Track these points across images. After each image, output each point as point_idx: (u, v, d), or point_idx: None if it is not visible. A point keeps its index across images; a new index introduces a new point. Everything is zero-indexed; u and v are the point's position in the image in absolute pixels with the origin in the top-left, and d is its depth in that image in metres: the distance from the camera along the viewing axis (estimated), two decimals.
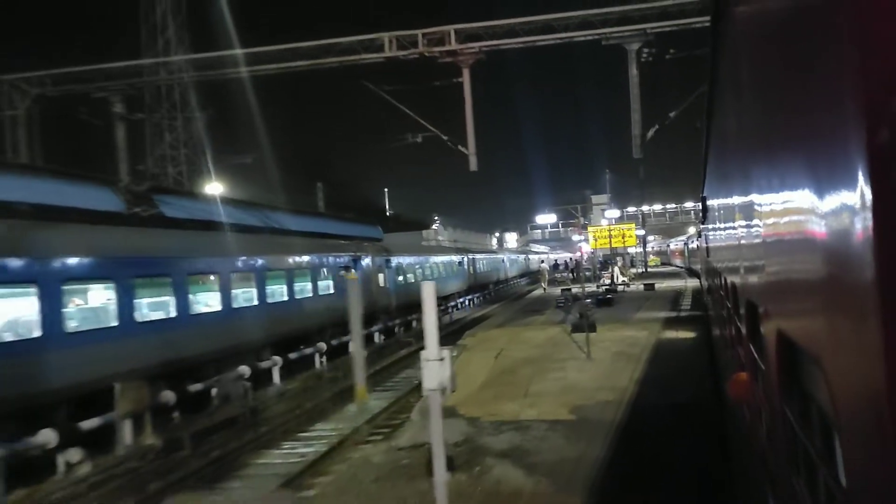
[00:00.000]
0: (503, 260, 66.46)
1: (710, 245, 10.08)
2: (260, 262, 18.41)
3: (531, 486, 8.29)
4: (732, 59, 3.21)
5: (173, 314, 14.31)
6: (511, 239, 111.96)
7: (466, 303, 43.07)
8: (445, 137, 23.17)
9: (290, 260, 20.34)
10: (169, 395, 13.09)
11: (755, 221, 2.54)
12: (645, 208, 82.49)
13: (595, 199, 63.93)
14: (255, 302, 17.76)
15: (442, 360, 7.62)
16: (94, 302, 12.75)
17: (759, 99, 2.25)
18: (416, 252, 36.26)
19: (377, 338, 25.45)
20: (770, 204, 2.07)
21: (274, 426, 13.66)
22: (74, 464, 10.58)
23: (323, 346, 20.53)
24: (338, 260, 23.69)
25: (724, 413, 8.13)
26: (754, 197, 2.53)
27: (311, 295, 21.08)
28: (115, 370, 12.03)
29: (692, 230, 67.34)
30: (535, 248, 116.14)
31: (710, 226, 9.08)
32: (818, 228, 1.30)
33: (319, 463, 10.81)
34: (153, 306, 14.08)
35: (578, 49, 22.70)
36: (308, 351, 19.77)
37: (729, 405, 6.47)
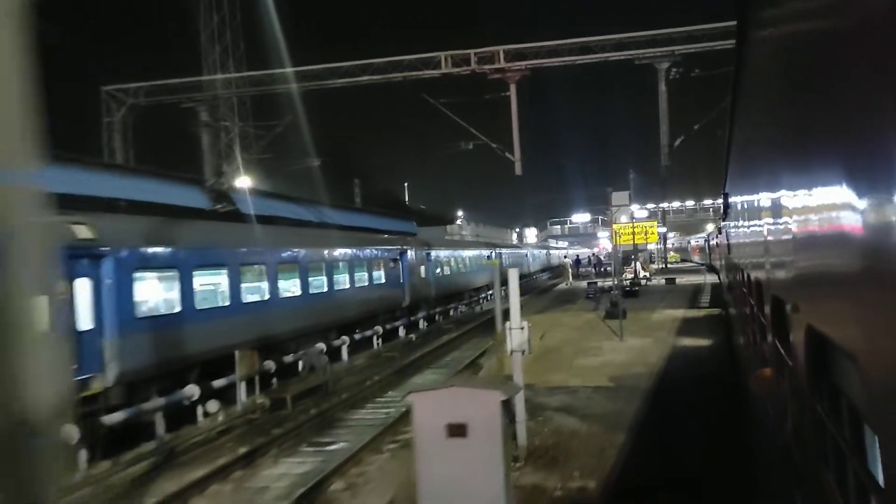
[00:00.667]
0: (526, 255, 68.70)
1: (733, 241, 10.11)
2: (327, 253, 20.93)
3: (585, 429, 10.69)
4: (760, 52, 3.19)
5: (266, 297, 16.84)
6: (530, 234, 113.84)
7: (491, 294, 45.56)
8: (494, 145, 25.58)
9: (351, 252, 22.85)
10: (270, 364, 15.64)
11: (783, 217, 2.52)
12: (664, 205, 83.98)
13: (615, 196, 65.77)
14: (325, 289, 20.26)
15: (522, 328, 10.07)
16: (214, 285, 15.27)
17: (788, 95, 2.24)
18: (450, 246, 38.74)
19: (421, 324, 27.93)
20: (800, 199, 2.04)
21: (353, 393, 16.12)
22: (211, 413, 13.14)
23: (380, 329, 23.05)
24: (388, 253, 26.20)
25: (739, 384, 10.17)
26: (783, 192, 2.51)
27: (367, 284, 23.58)
28: (229, 342, 14.57)
29: (710, 227, 68.98)
30: (553, 243, 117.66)
31: (733, 222, 9.11)
32: (851, 223, 1.28)
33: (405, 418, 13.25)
34: (252, 290, 16.59)
35: (612, 66, 24.78)
36: (368, 333, 22.28)
37: (749, 391, 6.69)
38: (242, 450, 11.44)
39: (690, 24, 23.32)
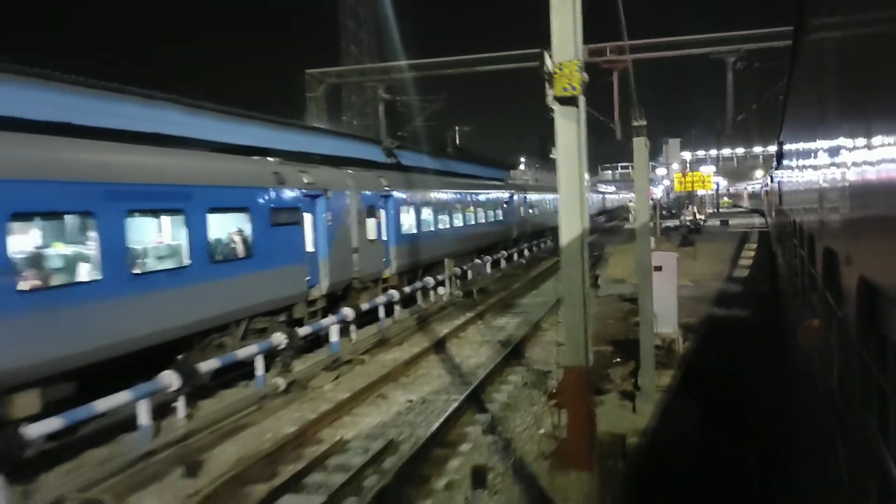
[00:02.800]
0: (587, 198, 75.24)
1: (785, 190, 10.13)
2: (477, 197, 28.38)
3: (685, 302, 18.04)
4: None
5: (445, 227, 24.39)
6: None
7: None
8: (602, 118, 32.38)
9: (487, 197, 30.27)
10: (457, 270, 23.31)
11: (840, 167, 2.49)
12: (713, 152, 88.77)
13: (671, 142, 71.67)
14: (472, 223, 27.78)
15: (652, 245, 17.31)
16: (417, 216, 22.73)
17: (851, 41, 2.23)
18: (537, 191, 45.91)
19: (526, 252, 35.41)
20: (858, 150, 2.02)
21: (507, 293, 23.66)
22: (437, 296, 20.91)
23: (504, 253, 30.63)
24: (504, 196, 33.58)
25: (776, 286, 16.89)
26: (840, 142, 2.48)
27: (493, 220, 31.07)
28: (437, 254, 22.18)
29: (759, 173, 74.13)
30: (602, 188, 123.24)
31: (786, 170, 8.99)
32: None
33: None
34: (435, 222, 24.10)
35: (687, 58, 31.20)
36: (499, 255, 29.89)
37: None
38: (469, 314, 19.09)
39: (752, 23, 29.72)
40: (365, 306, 16.20)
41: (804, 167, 5.00)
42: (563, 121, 5.93)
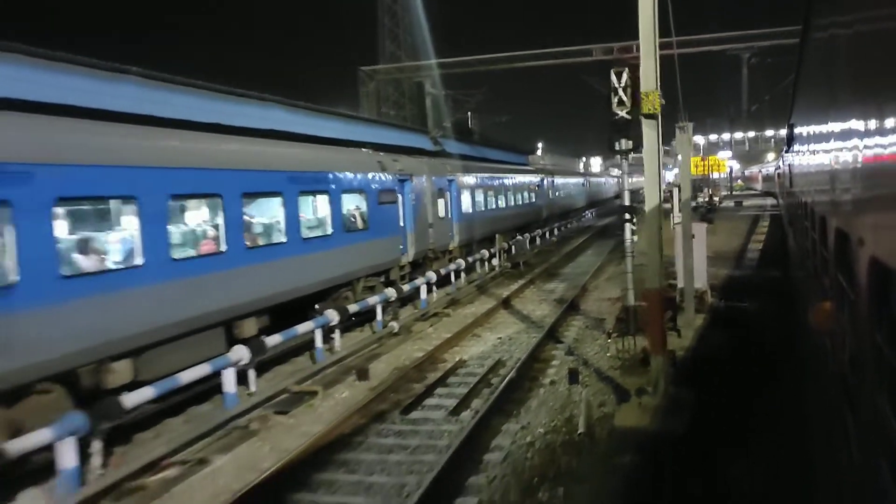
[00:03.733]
0: (604, 182, 78.50)
1: (796, 172, 10.16)
2: (510, 180, 31.57)
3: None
4: None
5: (492, 207, 27.61)
6: (595, 163, 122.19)
7: (588, 214, 56.22)
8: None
9: (520, 181, 33.44)
10: (504, 245, 26.59)
11: (851, 148, 2.50)
12: (726, 136, 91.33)
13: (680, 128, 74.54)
14: (513, 204, 31.00)
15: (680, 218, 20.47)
16: (472, 198, 25.96)
17: (861, 23, 2.21)
18: (563, 175, 49.02)
19: (555, 232, 38.61)
20: (870, 132, 2.03)
21: (548, 264, 26.89)
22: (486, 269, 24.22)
23: (539, 231, 33.86)
24: (536, 180, 36.75)
25: (786, 261, 19.99)
26: (851, 124, 2.49)
27: (529, 201, 34.27)
28: (487, 231, 25.45)
29: (771, 156, 76.77)
30: (613, 171, 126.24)
31: (797, 152, 9.03)
32: None
33: (605, 264, 23.96)
34: (485, 203, 27.32)
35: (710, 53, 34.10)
36: (535, 233, 33.12)
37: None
38: (521, 281, 22.35)
39: (765, 23, 32.62)
40: (443, 271, 19.51)
41: (815, 149, 5.10)
42: (648, 129, 9.15)
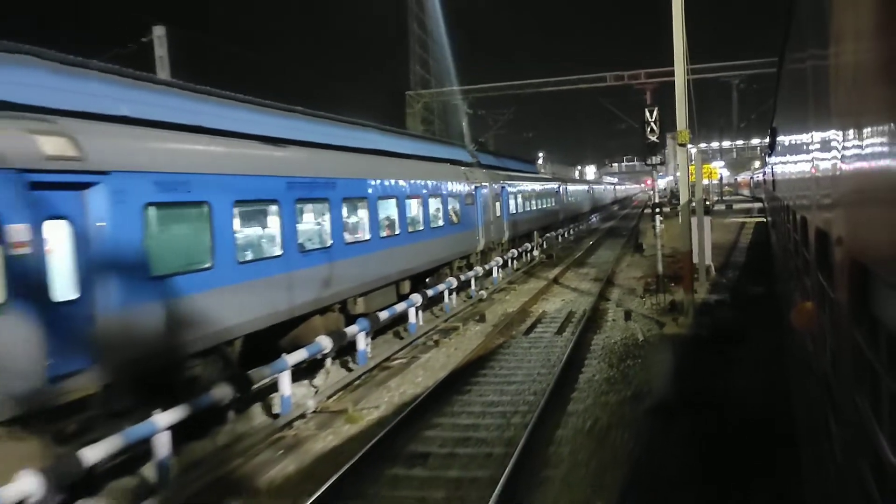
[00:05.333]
0: (604, 189, 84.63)
1: (777, 175, 10.33)
2: (540, 187, 37.30)
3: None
4: None
5: (529, 209, 33.27)
6: (589, 171, 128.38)
7: (594, 218, 62.15)
8: (637, 125, 41.46)
9: (547, 187, 39.19)
10: (540, 240, 32.26)
11: (831, 153, 2.54)
12: (714, 145, 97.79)
13: (671, 136, 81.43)
14: (541, 207, 36.70)
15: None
16: (516, 201, 31.54)
17: (840, 28, 2.24)
18: (571, 182, 54.89)
19: (570, 232, 44.34)
20: (848, 133, 2.05)
21: (573, 258, 32.52)
22: (533, 256, 29.91)
23: (562, 231, 39.58)
24: (556, 187, 42.54)
25: (769, 250, 25.81)
26: (832, 124, 2.53)
27: (550, 206, 40.03)
28: (525, 229, 31.12)
29: (757, 164, 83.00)
30: (607, 179, 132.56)
31: (779, 159, 9.26)
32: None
33: (621, 256, 29.63)
34: (524, 206, 32.95)
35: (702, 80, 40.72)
36: (558, 232, 38.83)
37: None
38: (559, 268, 27.95)
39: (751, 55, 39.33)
40: (500, 259, 25.15)
41: (795, 153, 5.15)
42: (681, 155, 14.82)
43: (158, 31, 21.18)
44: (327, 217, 13.02)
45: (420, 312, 16.34)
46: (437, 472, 8.09)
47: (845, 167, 2.13)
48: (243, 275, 10.08)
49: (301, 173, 12.21)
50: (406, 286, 17.03)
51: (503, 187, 28.17)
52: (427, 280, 19.15)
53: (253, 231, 11.05)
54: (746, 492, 6.89)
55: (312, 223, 12.95)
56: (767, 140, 13.07)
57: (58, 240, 7.16)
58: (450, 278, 18.74)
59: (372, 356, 13.39)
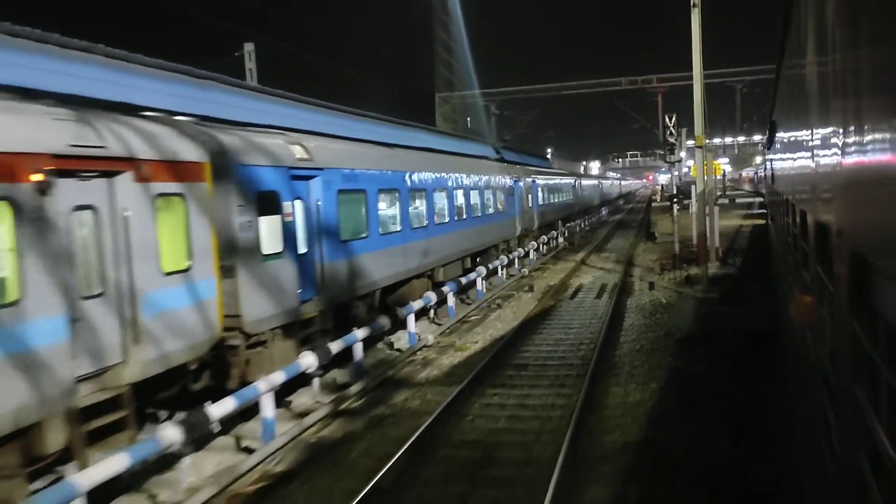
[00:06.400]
0: (611, 184, 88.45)
1: (777, 168, 10.43)
2: (560, 181, 41.02)
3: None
4: None
5: (552, 201, 36.98)
6: (594, 166, 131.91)
7: (603, 212, 65.91)
8: (649, 125, 45.18)
9: (566, 181, 42.91)
10: (564, 230, 36.01)
11: (832, 145, 2.53)
12: (717, 141, 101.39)
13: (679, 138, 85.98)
14: (562, 199, 40.43)
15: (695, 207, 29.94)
16: (543, 194, 35.27)
17: (842, 20, 2.23)
18: (584, 178, 58.66)
19: (584, 224, 48.07)
20: (849, 125, 2.05)
21: (593, 244, 36.25)
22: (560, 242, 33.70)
23: (580, 221, 43.33)
24: (571, 181, 46.29)
25: (767, 236, 29.45)
26: (832, 116, 2.52)
27: (568, 199, 43.76)
28: (550, 219, 34.86)
29: (758, 160, 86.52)
30: (610, 174, 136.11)
31: (778, 153, 9.32)
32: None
33: (635, 243, 33.39)
34: (548, 198, 36.66)
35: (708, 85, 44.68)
36: (576, 223, 42.59)
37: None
38: (582, 252, 31.68)
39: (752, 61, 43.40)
40: (534, 244, 28.91)
41: (795, 147, 5.16)
42: (698, 155, 18.58)
43: (248, 47, 24.89)
44: (425, 203, 16.77)
45: (483, 282, 20.12)
46: (539, 373, 11.86)
47: (846, 160, 2.14)
48: (383, 243, 13.86)
49: (411, 169, 15.98)
50: (468, 262, 20.80)
51: (533, 181, 31.91)
52: (478, 259, 22.89)
53: (386, 212, 14.80)
54: (745, 374, 10.66)
55: (418, 207, 16.71)
56: (767, 135, 13.23)
57: (298, 212, 10.91)
58: (502, 256, 22.52)
59: (455, 314, 17.19)
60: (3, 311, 5.78)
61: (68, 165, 6.43)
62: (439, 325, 16.47)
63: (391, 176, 14.70)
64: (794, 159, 5.38)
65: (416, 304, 14.27)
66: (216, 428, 7.97)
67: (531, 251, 27.53)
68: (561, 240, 34.76)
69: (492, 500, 7.19)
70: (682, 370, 11.49)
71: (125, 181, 7.19)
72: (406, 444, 8.26)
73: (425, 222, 16.71)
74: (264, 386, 8.59)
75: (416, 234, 15.90)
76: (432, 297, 15.26)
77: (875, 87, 1.62)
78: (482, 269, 19.75)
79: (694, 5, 18.06)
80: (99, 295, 6.96)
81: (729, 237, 32.38)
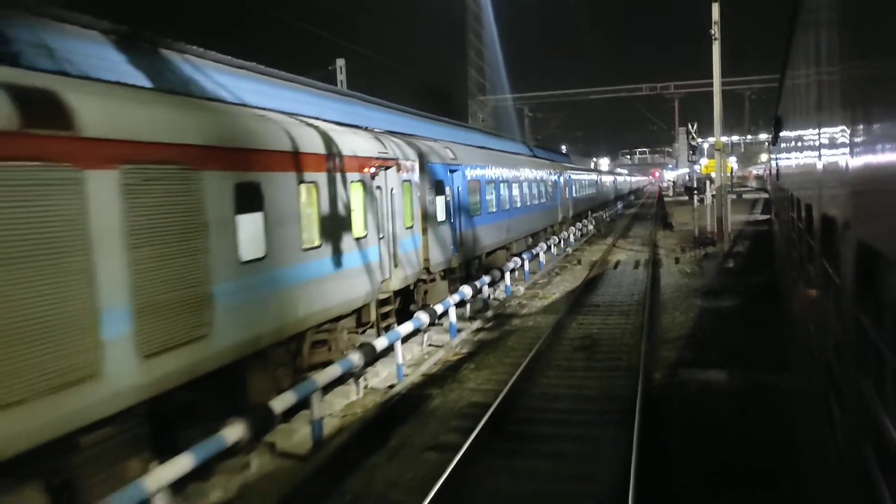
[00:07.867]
0: (623, 180, 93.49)
1: (782, 166, 10.59)
2: (586, 176, 45.99)
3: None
4: None
5: (580, 195, 41.93)
6: (603, 163, 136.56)
7: (619, 206, 70.94)
8: (665, 127, 50.15)
9: (590, 177, 47.87)
10: (590, 216, 41.04)
11: (839, 139, 2.53)
12: (724, 139, 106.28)
13: (682, 131, 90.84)
14: (588, 193, 45.38)
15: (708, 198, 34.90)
16: (575, 187, 40.22)
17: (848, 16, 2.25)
18: (603, 174, 63.69)
19: (605, 216, 53.01)
20: (856, 117, 2.07)
21: (620, 232, 41.18)
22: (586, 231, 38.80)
23: (601, 213, 48.30)
24: (591, 177, 51.27)
25: (770, 224, 34.30)
26: (838, 108, 2.54)
27: (590, 192, 48.71)
28: (580, 209, 39.85)
29: (764, 157, 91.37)
30: (619, 170, 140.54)
31: (783, 149, 9.39)
32: None
33: (654, 231, 38.38)
34: (577, 191, 41.59)
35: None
36: (599, 214, 47.58)
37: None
38: (610, 238, 36.66)
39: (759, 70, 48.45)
40: (573, 230, 33.97)
41: (800, 142, 5.18)
42: (718, 157, 23.60)
43: (340, 62, 29.92)
44: (507, 192, 21.87)
45: (544, 255, 25.21)
46: (610, 310, 16.94)
47: (853, 153, 2.13)
48: (488, 220, 18.95)
49: (498, 164, 21.08)
50: (528, 239, 25.88)
51: (568, 176, 36.96)
52: (530, 239, 27.92)
53: (491, 196, 19.84)
54: (753, 305, 15.73)
55: (503, 195, 21.80)
56: (772, 132, 13.56)
57: (448, 194, 15.98)
58: (553, 237, 27.60)
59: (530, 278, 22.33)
60: (360, 240, 10.85)
61: (378, 163, 11.50)
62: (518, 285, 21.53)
63: (493, 171, 19.78)
64: (801, 154, 5.43)
65: (510, 265, 19.37)
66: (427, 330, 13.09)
67: (570, 235, 32.59)
68: (591, 226, 39.82)
69: (607, 357, 12.29)
70: (709, 308, 16.56)
71: (392, 172, 12.24)
72: (543, 336, 13.35)
73: (507, 206, 21.79)
74: (452, 300, 13.69)
75: (504, 215, 21.00)
76: (518, 261, 20.34)
77: (878, 78, 1.70)
78: (543, 245, 24.83)
79: (714, 38, 22.93)
80: (382, 238, 12.03)
81: (736, 230, 37.33)
